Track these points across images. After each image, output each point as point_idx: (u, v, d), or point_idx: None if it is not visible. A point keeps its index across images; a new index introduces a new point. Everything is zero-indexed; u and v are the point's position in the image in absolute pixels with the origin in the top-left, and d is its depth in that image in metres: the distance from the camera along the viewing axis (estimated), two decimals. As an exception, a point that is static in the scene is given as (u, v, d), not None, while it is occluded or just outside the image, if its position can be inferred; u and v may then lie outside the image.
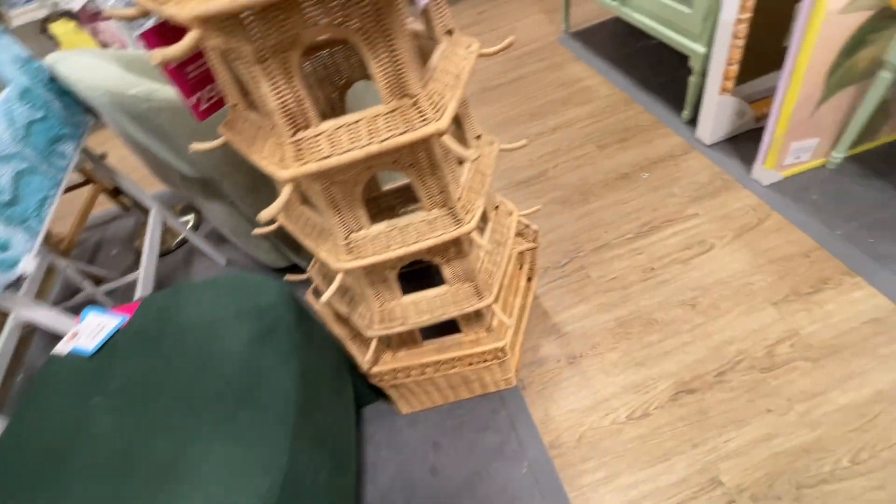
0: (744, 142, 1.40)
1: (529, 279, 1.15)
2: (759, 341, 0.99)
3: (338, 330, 0.99)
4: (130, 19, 0.54)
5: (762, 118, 1.40)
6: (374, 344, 0.85)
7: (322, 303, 0.78)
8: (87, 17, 2.07)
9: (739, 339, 1.01)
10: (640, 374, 1.00)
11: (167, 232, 1.68)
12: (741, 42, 1.19)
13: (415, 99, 0.53)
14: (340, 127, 0.54)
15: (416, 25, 0.69)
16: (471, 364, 0.90)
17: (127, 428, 0.63)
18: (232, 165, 1.02)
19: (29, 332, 1.55)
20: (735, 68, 1.24)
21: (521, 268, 1.10)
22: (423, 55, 0.64)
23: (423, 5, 0.43)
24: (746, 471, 0.84)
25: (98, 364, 0.72)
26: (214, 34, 0.45)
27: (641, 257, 1.21)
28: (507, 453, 0.95)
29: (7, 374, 0.96)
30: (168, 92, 0.88)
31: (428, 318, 0.80)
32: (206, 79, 0.68)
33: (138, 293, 1.15)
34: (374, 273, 0.74)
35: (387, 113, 0.53)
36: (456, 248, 0.72)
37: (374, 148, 0.53)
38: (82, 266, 1.55)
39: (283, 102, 0.50)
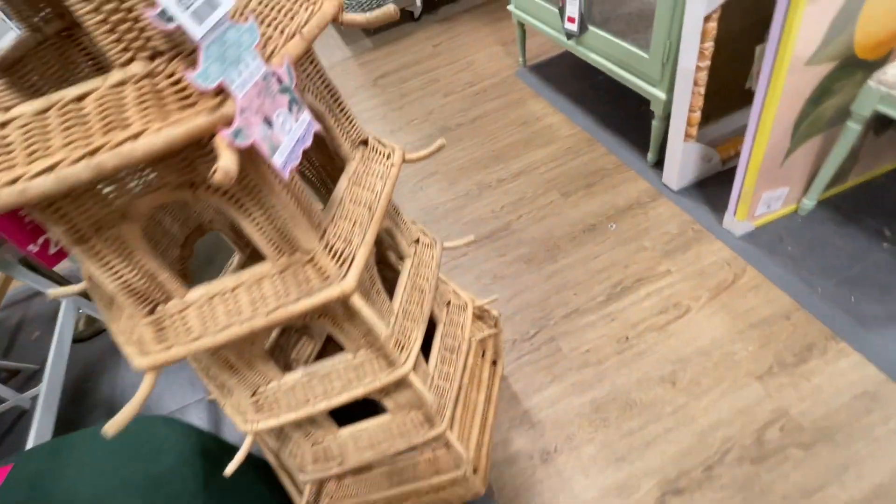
0: (713, 186, 1.33)
1: (495, 362, 1.04)
2: (747, 424, 0.91)
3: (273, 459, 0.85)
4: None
5: (729, 160, 1.34)
6: (307, 491, 0.72)
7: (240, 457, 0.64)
8: None
9: (726, 422, 0.92)
10: (622, 472, 0.90)
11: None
12: (702, 90, 1.12)
13: (311, 255, 0.41)
14: (214, 297, 0.41)
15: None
16: (429, 493, 0.78)
17: None
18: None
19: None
20: (697, 115, 1.17)
21: (483, 355, 0.99)
22: (333, 172, 0.52)
23: (287, 174, 0.32)
24: None
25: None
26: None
27: (615, 324, 1.11)
28: (478, 580, 0.83)
29: None
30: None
31: (371, 455, 0.68)
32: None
33: (39, 408, 0.98)
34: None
35: (275, 274, 0.41)
36: (395, 384, 0.61)
37: (259, 322, 0.41)
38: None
39: (124, 283, 0.38)
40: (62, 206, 0.33)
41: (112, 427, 0.40)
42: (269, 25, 0.35)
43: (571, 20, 1.43)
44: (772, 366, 0.97)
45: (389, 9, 0.41)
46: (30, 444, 0.97)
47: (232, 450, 0.68)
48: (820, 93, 0.98)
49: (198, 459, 0.62)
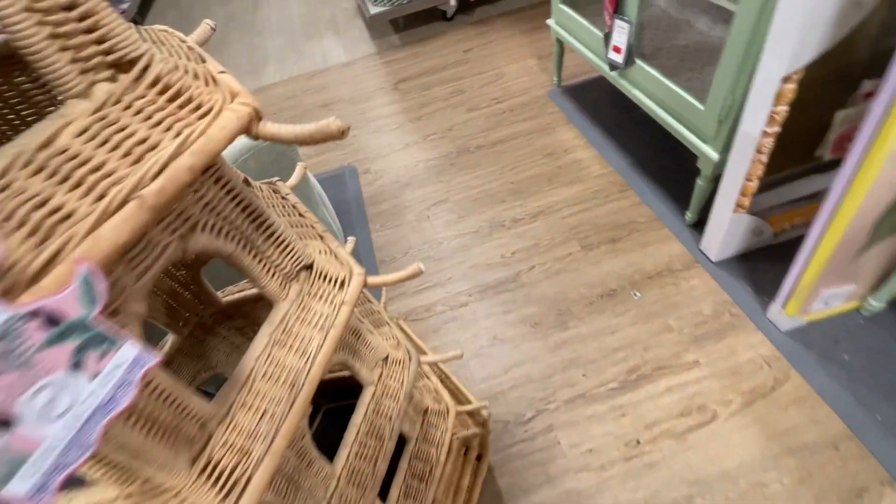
0: (759, 261, 1.15)
1: (480, 457, 0.90)
2: (773, 585, 0.75)
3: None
4: None
5: (782, 233, 1.15)
6: None
7: None
8: None
9: (747, 577, 0.76)
10: None
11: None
12: (765, 157, 0.94)
13: (175, 491, 0.27)
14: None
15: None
16: None
17: None
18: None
19: None
20: (755, 185, 0.99)
21: (466, 453, 0.84)
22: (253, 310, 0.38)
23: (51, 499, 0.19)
24: None
25: None
26: None
27: (626, 421, 0.96)
28: None
29: None
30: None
31: None
32: None
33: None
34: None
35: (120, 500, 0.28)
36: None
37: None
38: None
39: None
40: None
41: None
42: (67, 192, 0.20)
43: (617, 50, 1.25)
44: (811, 510, 0.81)
45: (330, 123, 0.26)
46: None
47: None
48: (916, 185, 0.79)
49: None
